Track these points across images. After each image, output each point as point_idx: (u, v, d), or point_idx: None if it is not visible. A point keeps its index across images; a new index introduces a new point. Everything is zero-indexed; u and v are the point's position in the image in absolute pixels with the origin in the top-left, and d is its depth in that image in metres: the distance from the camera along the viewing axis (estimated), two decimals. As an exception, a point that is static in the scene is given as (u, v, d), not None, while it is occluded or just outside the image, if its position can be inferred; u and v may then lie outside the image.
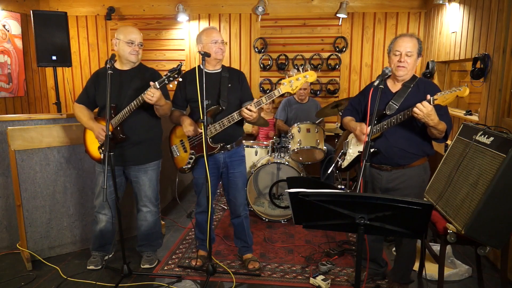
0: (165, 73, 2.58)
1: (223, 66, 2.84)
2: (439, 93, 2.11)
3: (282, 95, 5.22)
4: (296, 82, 2.53)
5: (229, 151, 2.82)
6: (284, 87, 2.55)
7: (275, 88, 5.22)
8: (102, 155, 2.74)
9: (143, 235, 3.02)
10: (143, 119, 2.78)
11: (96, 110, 2.92)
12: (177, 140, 2.90)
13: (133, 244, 3.17)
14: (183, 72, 2.70)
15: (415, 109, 2.12)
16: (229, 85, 2.76)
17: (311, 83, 5.17)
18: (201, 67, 2.70)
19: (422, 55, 2.42)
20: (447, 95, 2.08)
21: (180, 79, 2.58)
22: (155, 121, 2.90)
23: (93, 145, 2.83)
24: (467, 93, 2.03)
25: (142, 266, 2.97)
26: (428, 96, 2.12)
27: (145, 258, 3.01)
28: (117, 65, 2.82)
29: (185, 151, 2.86)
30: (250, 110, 2.55)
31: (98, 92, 2.80)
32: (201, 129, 2.70)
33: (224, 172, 2.87)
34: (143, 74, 2.82)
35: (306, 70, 2.55)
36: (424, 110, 2.09)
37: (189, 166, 2.84)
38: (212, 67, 2.78)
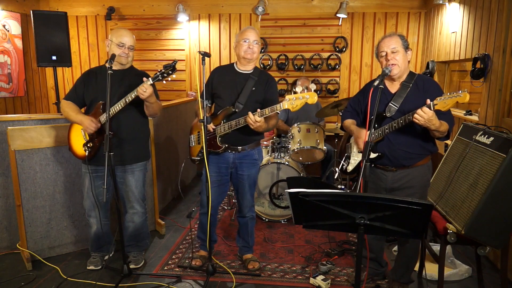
0: (159, 69, 2.57)
1: (255, 69, 2.81)
2: (439, 98, 2.06)
3: (282, 95, 5.25)
4: (297, 100, 2.52)
5: (240, 153, 2.80)
6: (286, 103, 2.53)
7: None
8: (87, 152, 2.73)
9: (130, 236, 3.02)
10: (131, 117, 2.77)
11: (83, 110, 2.88)
12: (195, 131, 2.92)
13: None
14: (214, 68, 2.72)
15: (416, 116, 2.09)
16: (253, 88, 2.73)
17: (311, 82, 5.18)
18: (234, 66, 2.77)
19: (410, 49, 2.38)
20: (447, 100, 2.03)
21: (174, 76, 2.57)
22: (143, 120, 2.90)
23: (77, 142, 2.79)
24: (467, 99, 1.98)
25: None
26: (428, 101, 2.08)
27: (131, 259, 3.00)
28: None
29: (199, 143, 2.87)
30: (252, 119, 2.52)
31: (88, 90, 2.78)
32: (214, 126, 2.71)
33: (233, 172, 2.87)
34: (133, 76, 2.81)
35: (310, 90, 2.54)
36: (425, 116, 2.06)
37: (198, 158, 2.85)
38: (243, 67, 2.77)
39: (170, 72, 2.53)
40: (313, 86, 2.56)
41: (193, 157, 2.91)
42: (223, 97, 2.73)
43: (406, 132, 2.32)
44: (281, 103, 2.56)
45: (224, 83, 2.75)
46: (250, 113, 2.52)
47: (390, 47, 2.29)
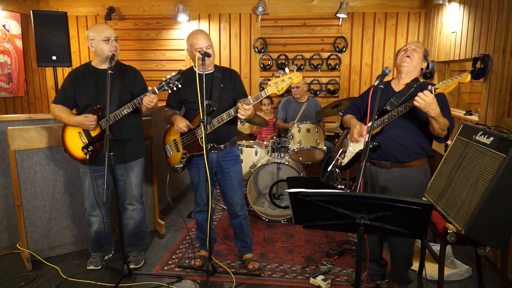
0: (164, 79, 2.58)
1: (216, 66, 2.84)
2: (440, 82, 2.17)
3: (281, 95, 5.25)
4: (282, 83, 2.51)
5: (222, 151, 2.81)
6: (270, 89, 2.54)
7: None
8: (88, 156, 2.71)
9: (129, 234, 3.02)
10: (128, 117, 2.76)
11: (74, 111, 2.84)
12: (170, 139, 2.90)
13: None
14: (179, 71, 2.72)
15: (416, 98, 2.16)
16: (221, 85, 2.76)
17: (311, 82, 5.18)
18: (194, 68, 2.72)
19: (427, 61, 2.52)
20: (448, 83, 2.14)
21: (180, 86, 2.59)
22: (138, 118, 2.93)
23: (75, 145, 2.76)
24: (468, 79, 2.10)
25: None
26: (430, 86, 2.17)
27: (131, 258, 3.00)
28: (95, 64, 2.77)
29: (178, 151, 2.86)
30: (243, 109, 2.53)
31: (79, 93, 2.73)
32: (192, 125, 2.72)
33: (218, 172, 2.87)
34: (124, 73, 2.80)
35: (292, 71, 2.54)
36: (426, 99, 2.13)
37: (181, 165, 2.84)
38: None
39: (176, 82, 2.56)
40: (294, 67, 2.57)
41: (175, 166, 2.89)
42: (195, 100, 2.62)
43: (403, 127, 2.38)
44: (265, 89, 2.56)
45: (191, 88, 2.70)
46: (242, 104, 2.53)
47: (413, 45, 2.46)
